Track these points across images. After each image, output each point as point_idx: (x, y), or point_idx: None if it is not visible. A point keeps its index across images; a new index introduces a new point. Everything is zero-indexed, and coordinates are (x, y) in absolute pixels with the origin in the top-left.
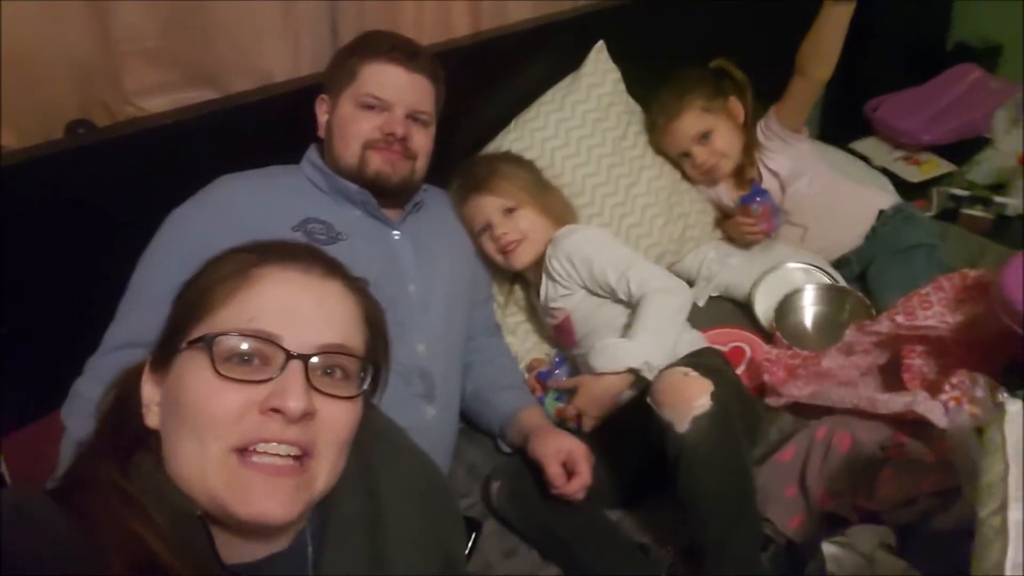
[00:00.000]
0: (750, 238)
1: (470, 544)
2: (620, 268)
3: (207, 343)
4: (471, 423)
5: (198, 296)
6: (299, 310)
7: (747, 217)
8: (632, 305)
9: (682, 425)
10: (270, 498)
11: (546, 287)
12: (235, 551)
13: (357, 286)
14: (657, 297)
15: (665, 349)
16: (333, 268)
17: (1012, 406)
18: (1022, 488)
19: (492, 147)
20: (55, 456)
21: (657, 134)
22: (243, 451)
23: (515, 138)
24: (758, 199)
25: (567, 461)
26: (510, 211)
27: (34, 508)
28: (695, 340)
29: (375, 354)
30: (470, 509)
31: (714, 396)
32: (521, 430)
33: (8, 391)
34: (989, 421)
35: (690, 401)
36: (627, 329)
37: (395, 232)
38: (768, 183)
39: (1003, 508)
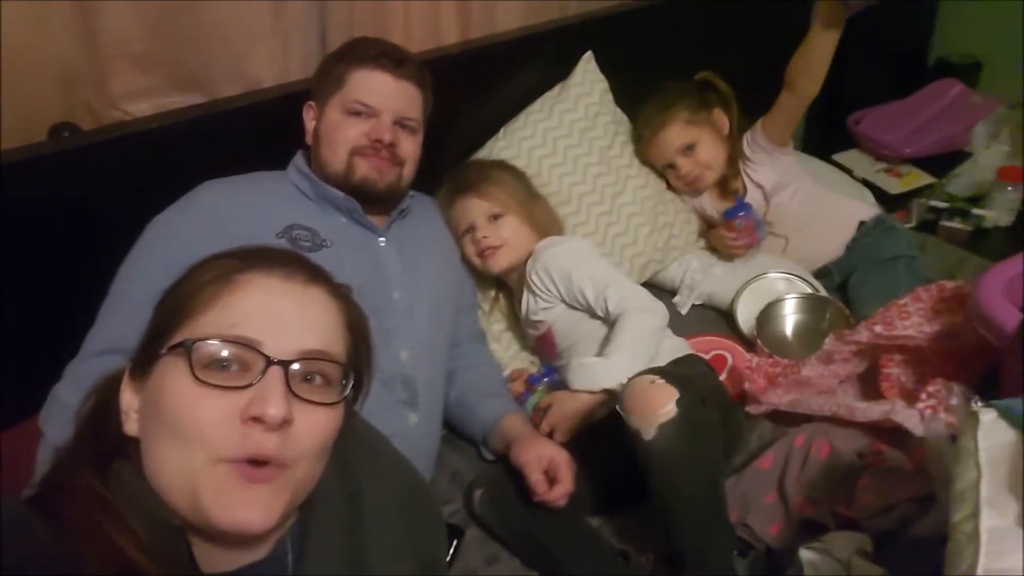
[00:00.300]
0: (733, 251)
1: (452, 550)
2: (599, 285)
3: (187, 348)
4: (454, 430)
5: (179, 301)
6: (280, 316)
7: (730, 231)
8: (610, 323)
9: (648, 432)
10: (249, 507)
11: (527, 299)
12: (215, 560)
13: (340, 292)
14: (635, 316)
15: (640, 368)
16: (316, 274)
17: (986, 415)
18: (994, 495)
19: (481, 155)
20: (33, 461)
21: (642, 146)
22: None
23: (503, 146)
24: (741, 214)
25: (549, 468)
26: (495, 217)
27: (13, 517)
28: (678, 347)
29: (357, 361)
30: (452, 516)
31: (679, 403)
32: (504, 437)
33: None
34: (963, 429)
35: (656, 409)
36: (605, 345)
37: (381, 239)
38: (752, 195)
39: (975, 514)
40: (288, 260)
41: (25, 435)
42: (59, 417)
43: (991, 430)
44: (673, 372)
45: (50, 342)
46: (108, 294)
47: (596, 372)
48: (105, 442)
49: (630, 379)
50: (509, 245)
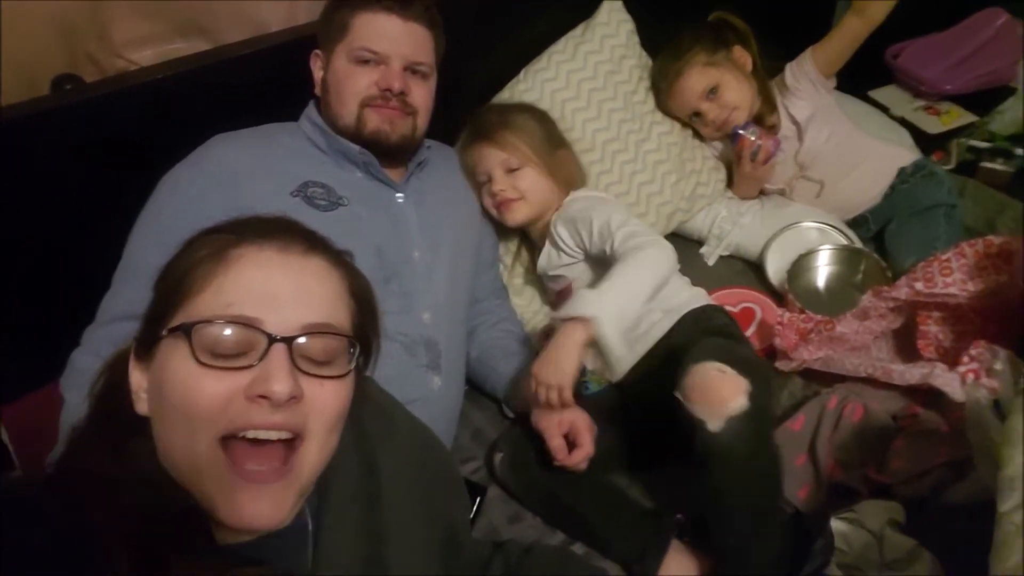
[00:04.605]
0: (762, 157)
1: (474, 509)
2: (615, 225)
3: (185, 332)
4: (476, 387)
5: (175, 282)
6: (278, 291)
7: (743, 148)
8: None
9: (715, 424)
10: (258, 504)
11: (548, 253)
12: (235, 533)
13: (341, 260)
14: (640, 252)
15: (631, 307)
16: (314, 243)
17: None
18: None
19: (502, 98)
20: (56, 426)
21: (663, 97)
22: (231, 448)
23: (525, 89)
24: (740, 131)
25: (569, 432)
26: (513, 169)
27: (31, 501)
28: (695, 296)
29: (364, 328)
30: (475, 474)
31: (750, 396)
32: (524, 398)
33: (8, 360)
34: (1012, 409)
35: (725, 401)
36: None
37: (398, 195)
38: (786, 130)
39: None
40: (284, 230)
41: (48, 399)
42: (79, 383)
43: None
44: (739, 358)
45: (64, 304)
46: (122, 257)
47: (581, 300)
48: (120, 420)
49: (693, 367)
50: (527, 199)
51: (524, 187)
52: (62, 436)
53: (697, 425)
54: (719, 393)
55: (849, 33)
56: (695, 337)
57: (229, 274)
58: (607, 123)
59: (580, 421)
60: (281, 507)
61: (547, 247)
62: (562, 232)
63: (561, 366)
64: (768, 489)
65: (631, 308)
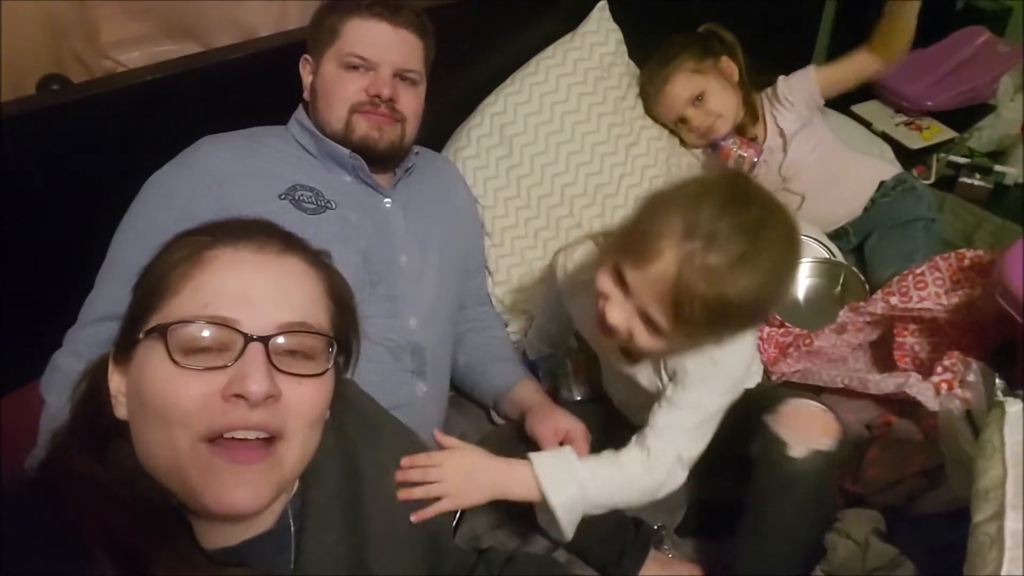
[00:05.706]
0: (745, 167)
1: (457, 515)
2: (690, 407)
3: (161, 333)
4: (461, 392)
5: (152, 284)
6: (255, 291)
7: (726, 157)
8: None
9: (798, 451)
10: (240, 488)
11: (649, 373)
12: (218, 535)
13: (318, 260)
14: (653, 472)
15: (601, 504)
16: (290, 244)
17: (1012, 407)
18: (1021, 496)
19: (488, 102)
20: (35, 426)
21: (650, 103)
22: (212, 444)
23: (512, 91)
24: (723, 142)
25: (565, 441)
26: (654, 328)
27: (16, 503)
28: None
29: (343, 328)
30: None
31: (840, 443)
32: (517, 405)
33: None
34: (988, 421)
35: (818, 436)
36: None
37: (386, 200)
38: (772, 141)
39: (999, 516)
40: (259, 231)
41: (27, 399)
42: (60, 385)
43: (1017, 424)
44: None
45: (49, 304)
46: (106, 257)
47: (566, 474)
48: (100, 425)
49: (791, 399)
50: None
51: (652, 347)
52: (42, 438)
53: (772, 445)
54: (816, 425)
55: (861, 67)
56: None
57: (205, 275)
58: (596, 126)
59: (577, 431)
60: (261, 493)
61: (649, 366)
62: (689, 367)
63: (475, 489)
64: (812, 540)
65: (592, 506)
